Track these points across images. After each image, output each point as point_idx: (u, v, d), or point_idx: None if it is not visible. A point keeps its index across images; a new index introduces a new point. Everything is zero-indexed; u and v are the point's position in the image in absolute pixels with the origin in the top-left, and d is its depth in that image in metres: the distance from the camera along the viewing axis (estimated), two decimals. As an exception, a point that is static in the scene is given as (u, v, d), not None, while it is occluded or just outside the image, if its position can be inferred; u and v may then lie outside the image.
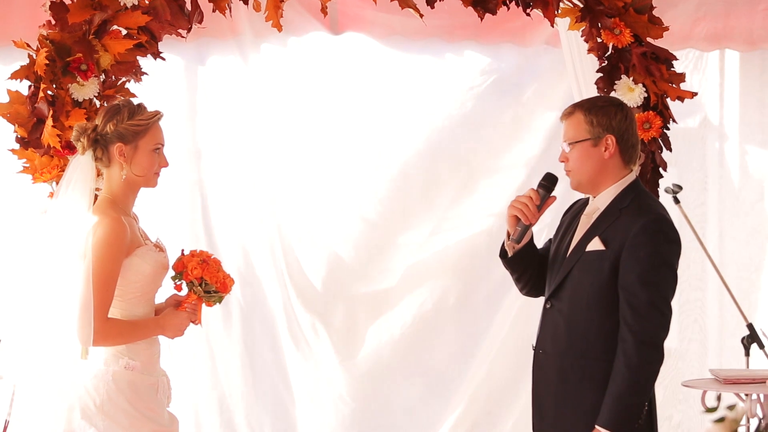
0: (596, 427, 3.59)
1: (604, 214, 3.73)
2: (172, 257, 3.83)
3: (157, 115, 3.76)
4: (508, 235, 3.83)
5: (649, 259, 3.59)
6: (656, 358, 3.61)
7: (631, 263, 3.60)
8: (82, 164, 3.73)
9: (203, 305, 3.81)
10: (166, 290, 3.86)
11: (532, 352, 3.86)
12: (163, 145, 3.79)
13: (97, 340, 3.59)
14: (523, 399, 5.46)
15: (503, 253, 3.93)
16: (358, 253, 5.99)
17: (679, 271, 3.67)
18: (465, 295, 6.01)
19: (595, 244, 3.69)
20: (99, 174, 3.79)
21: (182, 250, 3.83)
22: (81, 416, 3.60)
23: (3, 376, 3.77)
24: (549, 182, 3.80)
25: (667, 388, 5.72)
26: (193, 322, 3.81)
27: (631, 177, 3.77)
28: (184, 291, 3.80)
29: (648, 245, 3.60)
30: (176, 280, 3.79)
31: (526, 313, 5.68)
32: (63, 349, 3.67)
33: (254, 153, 5.92)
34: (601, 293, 3.65)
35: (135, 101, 3.81)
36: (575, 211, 3.91)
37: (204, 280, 3.75)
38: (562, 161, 3.79)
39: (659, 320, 3.59)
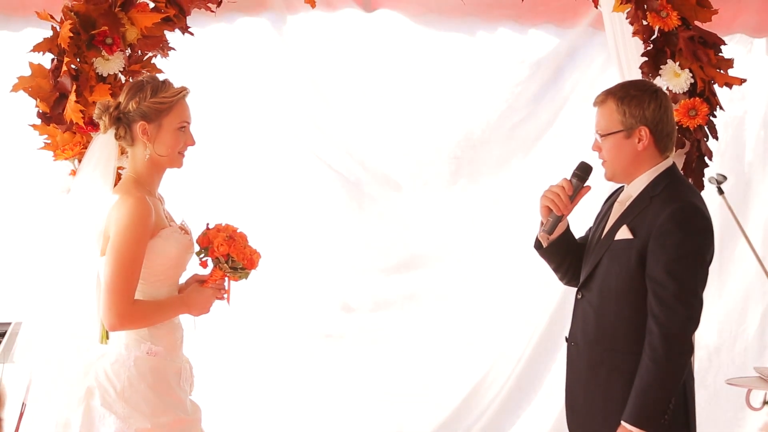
0: (621, 423, 3.51)
1: (635, 202, 3.64)
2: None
3: (182, 92, 3.67)
4: (542, 225, 3.76)
5: (676, 249, 3.49)
6: (683, 351, 3.51)
7: (657, 253, 3.51)
8: (104, 143, 3.67)
9: (231, 281, 3.74)
10: (190, 273, 3.78)
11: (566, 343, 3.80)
12: (189, 123, 3.70)
13: (124, 323, 3.53)
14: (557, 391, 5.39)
15: (537, 244, 3.85)
16: (388, 233, 5.93)
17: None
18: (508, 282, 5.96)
19: (624, 233, 3.61)
20: (124, 152, 3.73)
21: (207, 224, 3.75)
22: (101, 403, 3.53)
23: (19, 360, 3.66)
24: (582, 172, 3.71)
25: (708, 388, 5.62)
26: (218, 298, 3.73)
27: (667, 163, 3.67)
28: (209, 267, 3.72)
29: (675, 234, 3.49)
30: (201, 256, 3.71)
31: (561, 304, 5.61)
32: (82, 333, 3.63)
33: (282, 130, 5.85)
34: (629, 284, 3.57)
35: (161, 77, 3.73)
36: (614, 198, 3.82)
37: (231, 256, 3.68)
38: (595, 150, 3.69)
39: (686, 312, 3.49)
